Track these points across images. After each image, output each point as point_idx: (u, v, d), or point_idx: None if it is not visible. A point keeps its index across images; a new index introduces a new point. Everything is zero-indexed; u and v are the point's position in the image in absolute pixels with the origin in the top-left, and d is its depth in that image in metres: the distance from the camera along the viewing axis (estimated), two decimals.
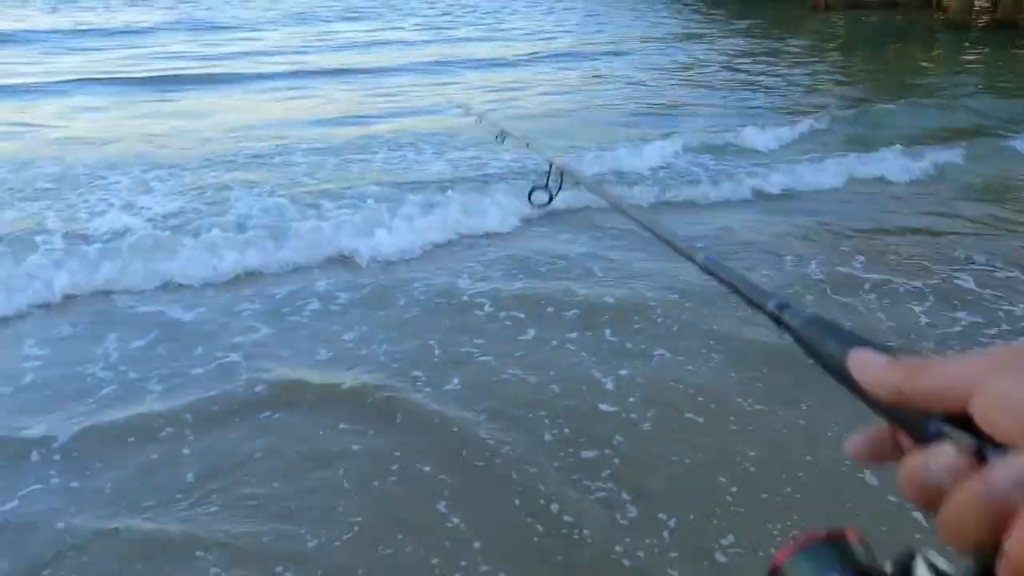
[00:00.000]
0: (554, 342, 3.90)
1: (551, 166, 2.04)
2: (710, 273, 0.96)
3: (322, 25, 21.50)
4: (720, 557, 2.54)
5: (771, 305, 0.75)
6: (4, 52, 14.93)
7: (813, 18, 25.89)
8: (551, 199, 2.07)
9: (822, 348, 0.59)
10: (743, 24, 22.63)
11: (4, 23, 19.96)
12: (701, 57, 15.38)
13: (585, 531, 2.65)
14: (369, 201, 5.91)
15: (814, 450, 3.04)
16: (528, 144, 2.53)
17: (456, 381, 3.54)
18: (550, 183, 2.05)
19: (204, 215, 5.66)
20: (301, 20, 22.72)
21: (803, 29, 22.34)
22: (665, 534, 2.64)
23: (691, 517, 2.72)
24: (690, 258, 1.03)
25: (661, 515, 2.72)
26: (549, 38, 18.98)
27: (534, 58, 15.43)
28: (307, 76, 12.78)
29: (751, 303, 0.83)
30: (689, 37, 19.22)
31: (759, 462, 3.00)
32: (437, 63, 14.46)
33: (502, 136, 2.71)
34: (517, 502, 2.79)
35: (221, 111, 9.97)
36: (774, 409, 3.34)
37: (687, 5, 30.41)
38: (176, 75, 12.69)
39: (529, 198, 2.11)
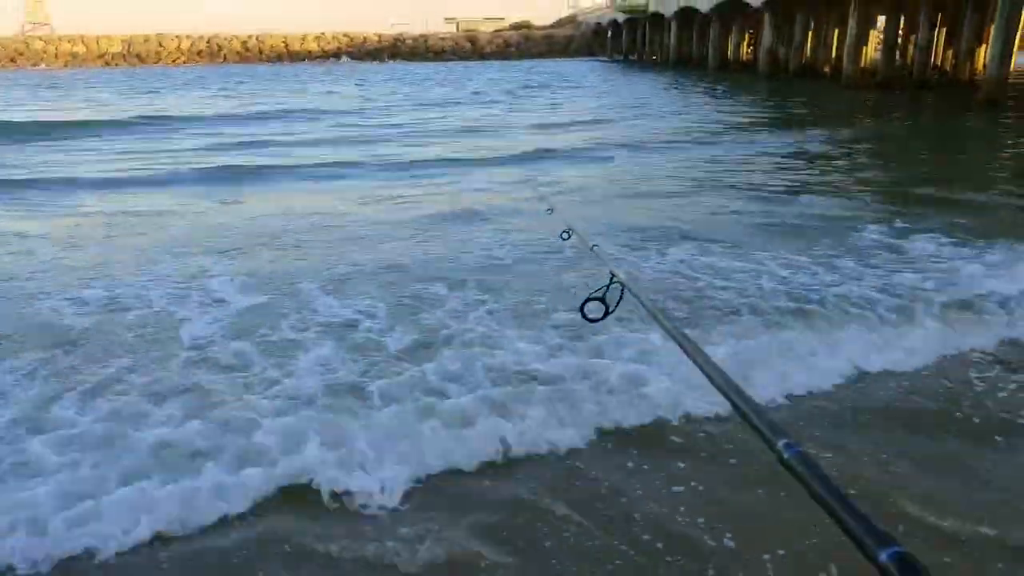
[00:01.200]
0: None
1: (611, 277, 1.86)
2: (790, 470, 0.74)
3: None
4: None
5: (885, 557, 0.57)
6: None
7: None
8: (607, 314, 1.91)
9: None
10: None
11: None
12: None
13: None
14: None
15: None
16: (593, 247, 2.33)
17: None
18: (607, 296, 1.86)
19: None
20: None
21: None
22: None
23: None
24: (769, 442, 0.81)
25: None
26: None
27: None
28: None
29: (844, 530, 0.64)
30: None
31: None
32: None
33: (568, 232, 2.55)
34: None
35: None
36: None
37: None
38: None
39: (582, 311, 1.92)
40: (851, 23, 31.37)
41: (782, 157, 13.35)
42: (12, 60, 69.97)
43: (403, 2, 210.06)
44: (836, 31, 40.22)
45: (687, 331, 1.32)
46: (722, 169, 12.31)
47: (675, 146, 14.92)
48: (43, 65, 68.09)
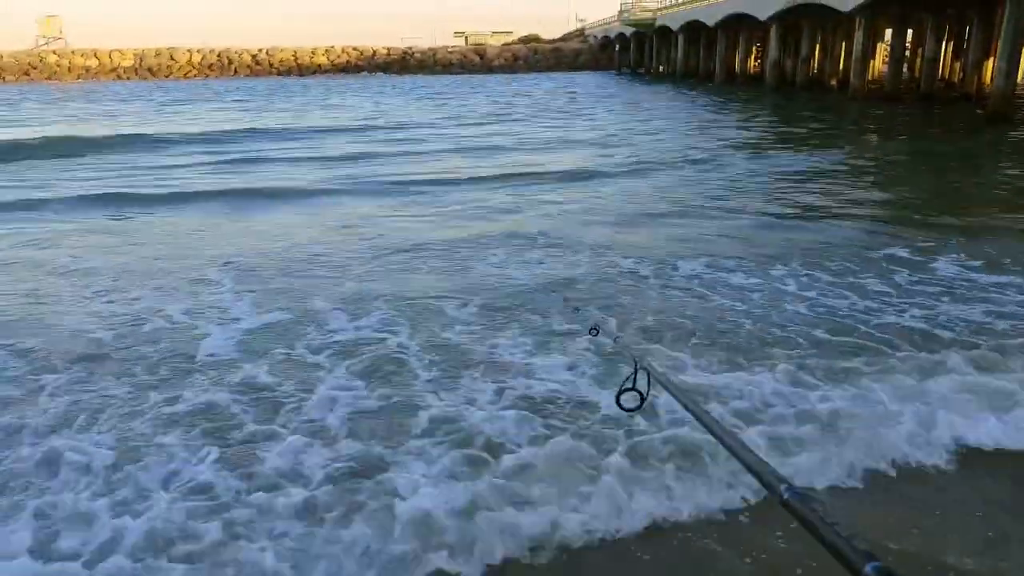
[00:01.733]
0: None
1: (636, 366, 1.91)
2: (792, 511, 0.84)
3: None
4: None
5: (869, 570, 0.62)
6: None
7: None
8: (642, 402, 1.92)
9: None
10: None
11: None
12: None
13: None
14: None
15: None
16: (615, 339, 2.42)
17: None
18: (637, 384, 1.90)
19: None
20: None
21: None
22: None
23: None
24: (772, 489, 0.91)
25: None
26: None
27: None
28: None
29: (840, 559, 0.69)
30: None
31: None
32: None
33: (596, 329, 2.61)
34: None
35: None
36: None
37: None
38: None
39: (618, 401, 1.93)
40: (858, 36, 31.40)
41: (795, 176, 13.32)
42: (26, 74, 70.79)
43: (413, 17, 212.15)
44: (843, 44, 40.28)
45: (715, 409, 1.43)
46: (736, 189, 12.28)
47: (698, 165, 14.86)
48: (56, 80, 68.93)
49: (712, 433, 1.17)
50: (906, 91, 32.19)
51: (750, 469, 0.96)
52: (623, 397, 1.93)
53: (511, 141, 19.43)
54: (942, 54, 34.33)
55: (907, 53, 38.64)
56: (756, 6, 39.33)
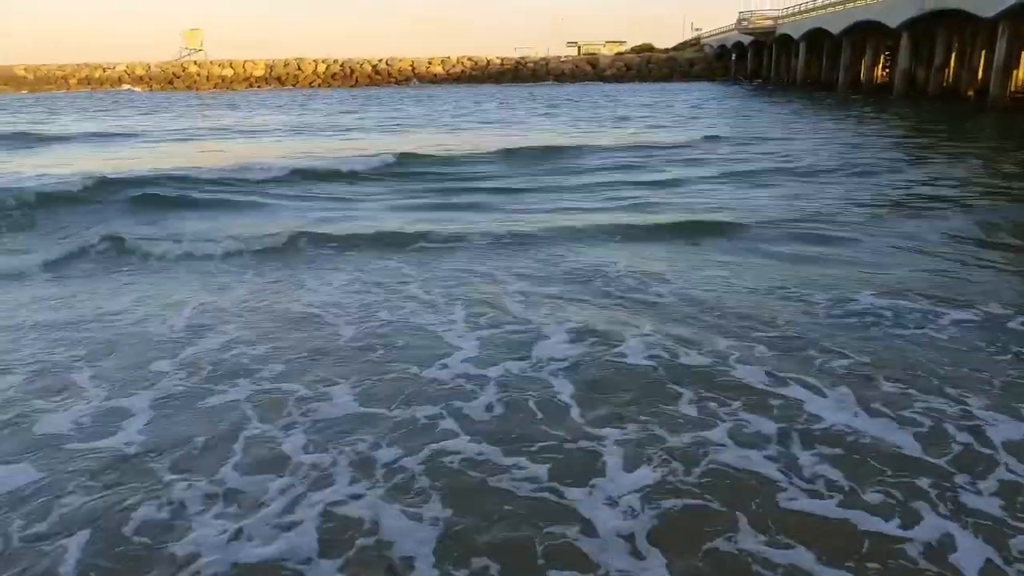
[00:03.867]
0: None
1: None
2: None
3: None
4: None
5: None
6: None
7: None
8: None
9: None
10: None
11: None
12: None
13: None
14: None
15: None
16: None
17: None
18: None
19: None
20: None
21: None
22: None
23: None
24: None
25: None
26: None
27: None
28: None
29: None
30: None
31: None
32: None
33: None
34: None
35: None
36: None
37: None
38: None
39: None
40: (1000, 43, 29.35)
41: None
42: (169, 83, 76.64)
43: (527, 28, 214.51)
44: (983, 52, 37.73)
45: None
46: None
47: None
48: (195, 88, 74.24)
49: None
50: None
51: None
52: None
53: None
54: None
55: None
56: (886, 13, 37.47)
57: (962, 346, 5.54)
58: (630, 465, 4.00)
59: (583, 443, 4.24)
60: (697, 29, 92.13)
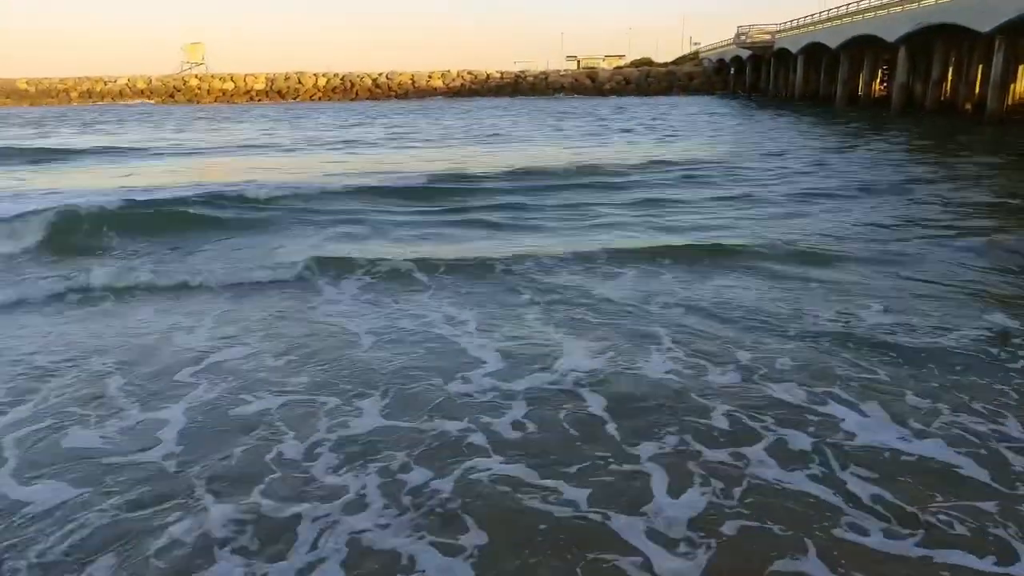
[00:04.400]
0: None
1: None
2: None
3: None
4: None
5: None
6: None
7: None
8: None
9: None
10: None
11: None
12: None
13: None
14: None
15: None
16: None
17: None
18: None
19: None
20: None
21: None
22: None
23: None
24: None
25: None
26: None
27: None
28: None
29: None
30: None
31: None
32: None
33: None
34: None
35: None
36: None
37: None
38: None
39: None
40: (997, 58, 29.57)
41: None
42: (171, 96, 76.98)
43: (526, 42, 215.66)
44: (979, 66, 37.98)
45: None
46: None
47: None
48: (196, 101, 74.55)
49: None
50: None
51: None
52: None
53: None
54: None
55: None
56: (883, 27, 37.77)
57: (979, 360, 5.64)
58: (675, 489, 3.98)
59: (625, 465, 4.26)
60: (696, 43, 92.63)
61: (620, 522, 3.68)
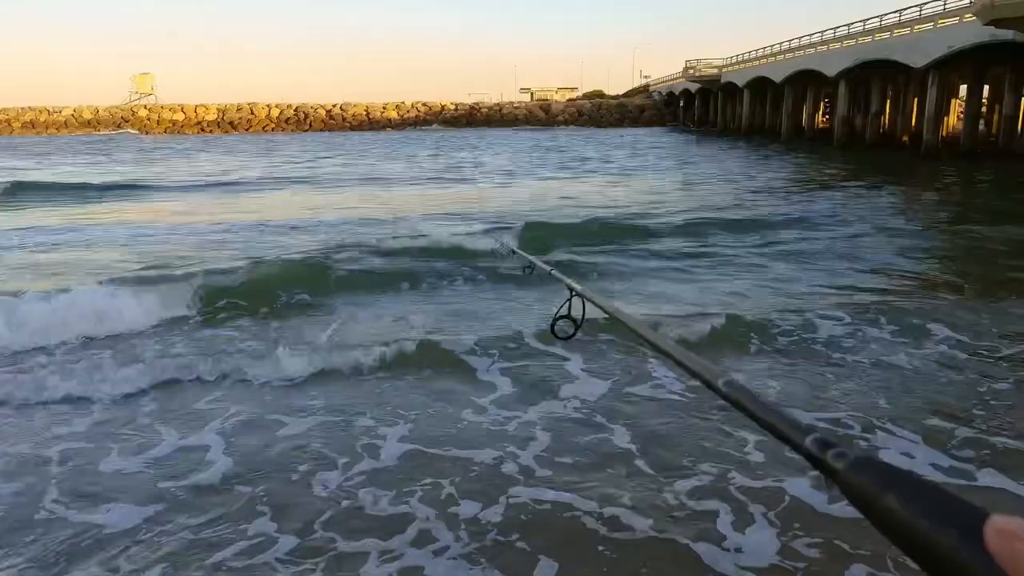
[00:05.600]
0: None
1: (572, 294, 1.88)
2: (732, 402, 0.85)
3: None
4: None
5: (808, 442, 0.62)
6: None
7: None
8: (577, 329, 1.93)
9: (895, 509, 0.43)
10: None
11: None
12: None
13: None
14: None
15: None
16: (551, 271, 2.30)
17: None
18: (572, 312, 1.90)
19: None
20: None
21: None
22: None
23: None
24: (709, 383, 0.93)
25: None
26: None
27: None
28: None
29: (784, 439, 0.70)
30: None
31: None
32: None
33: (531, 267, 2.60)
34: None
35: None
36: None
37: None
38: None
39: (552, 330, 1.93)
40: (931, 93, 30.81)
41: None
42: (118, 126, 75.60)
43: (479, 74, 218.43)
44: (915, 99, 39.57)
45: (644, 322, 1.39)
46: None
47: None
48: (146, 132, 73.27)
49: (654, 345, 1.18)
50: (985, 148, 31.24)
51: (694, 373, 0.98)
52: (557, 325, 1.92)
53: None
54: (1022, 110, 33.24)
55: (983, 109, 37.68)
56: (824, 63, 39.13)
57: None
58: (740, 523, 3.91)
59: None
60: (646, 76, 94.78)
61: None
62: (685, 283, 9.44)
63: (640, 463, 4.50)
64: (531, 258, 2.69)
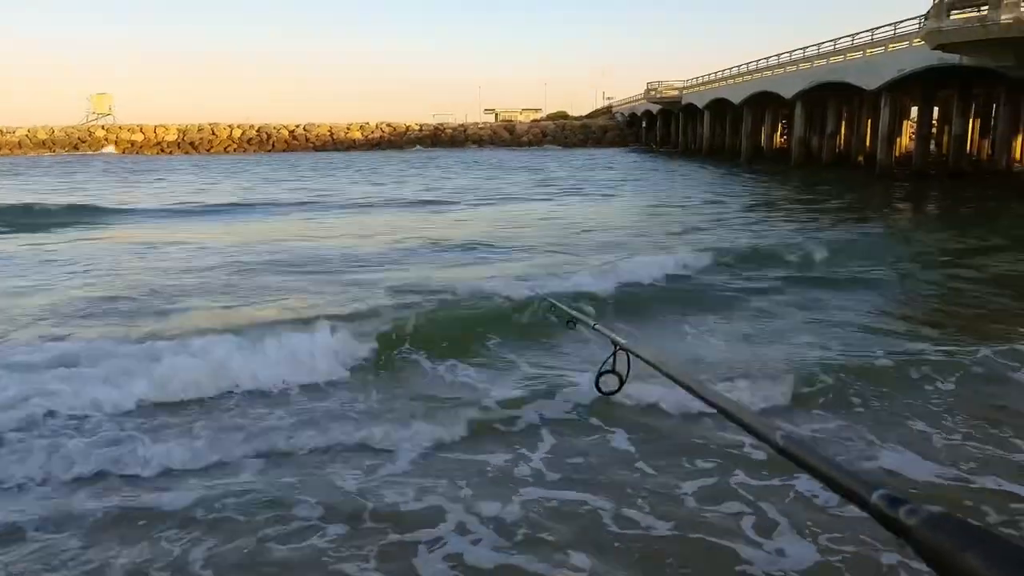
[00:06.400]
0: None
1: (616, 348, 1.88)
2: (790, 456, 0.83)
3: None
4: None
5: (876, 498, 0.58)
6: None
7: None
8: (621, 385, 1.91)
9: (977, 569, 0.40)
10: None
11: None
12: None
13: None
14: None
15: None
16: (595, 325, 2.31)
17: None
18: (617, 366, 1.89)
19: None
20: None
21: None
22: None
23: None
24: (765, 438, 0.90)
25: None
26: None
27: None
28: None
29: (846, 494, 0.67)
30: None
31: None
32: None
33: (573, 322, 2.54)
34: None
35: None
36: None
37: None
38: None
39: (597, 385, 1.93)
40: (884, 114, 31.73)
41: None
42: (75, 147, 73.97)
43: (443, 94, 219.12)
44: (869, 120, 40.70)
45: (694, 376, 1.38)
46: None
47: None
48: (106, 150, 71.82)
49: (706, 400, 1.16)
50: (935, 168, 32.22)
51: (748, 427, 0.96)
52: (602, 380, 1.90)
53: None
54: (969, 131, 34.39)
55: (933, 130, 38.93)
56: (780, 85, 40.07)
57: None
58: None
59: None
60: (609, 98, 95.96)
61: None
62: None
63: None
64: (573, 313, 2.61)
